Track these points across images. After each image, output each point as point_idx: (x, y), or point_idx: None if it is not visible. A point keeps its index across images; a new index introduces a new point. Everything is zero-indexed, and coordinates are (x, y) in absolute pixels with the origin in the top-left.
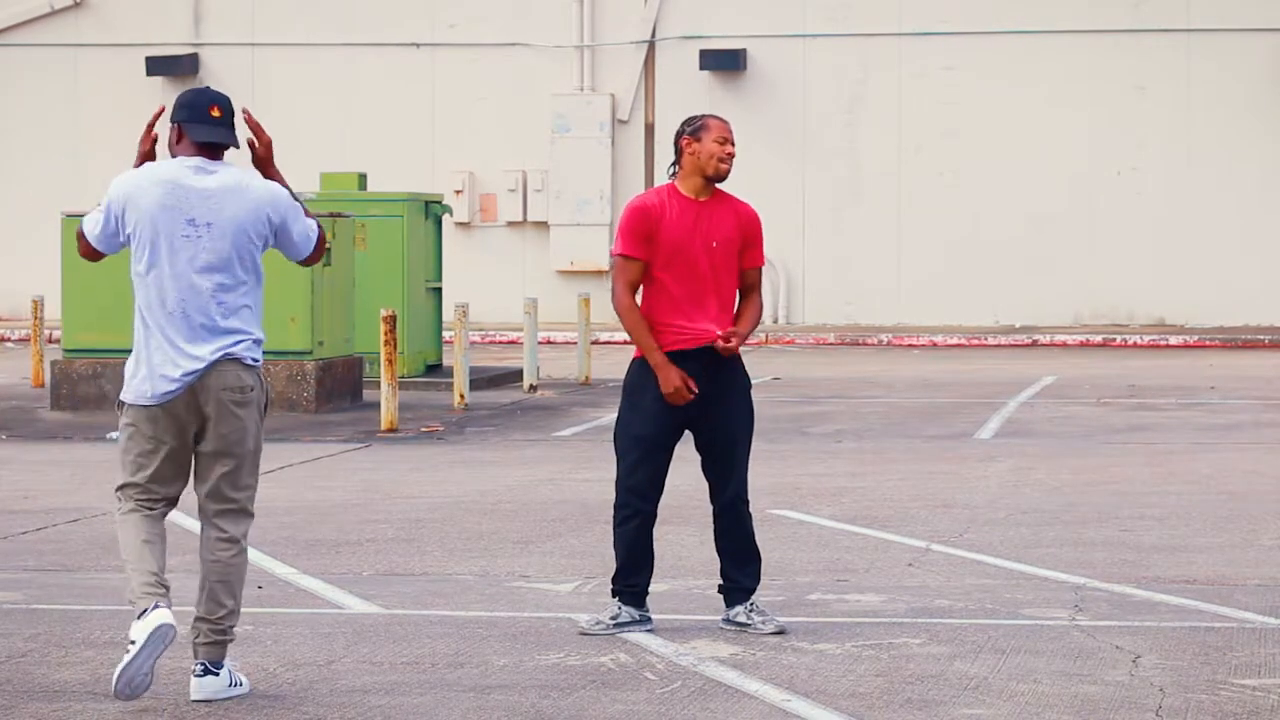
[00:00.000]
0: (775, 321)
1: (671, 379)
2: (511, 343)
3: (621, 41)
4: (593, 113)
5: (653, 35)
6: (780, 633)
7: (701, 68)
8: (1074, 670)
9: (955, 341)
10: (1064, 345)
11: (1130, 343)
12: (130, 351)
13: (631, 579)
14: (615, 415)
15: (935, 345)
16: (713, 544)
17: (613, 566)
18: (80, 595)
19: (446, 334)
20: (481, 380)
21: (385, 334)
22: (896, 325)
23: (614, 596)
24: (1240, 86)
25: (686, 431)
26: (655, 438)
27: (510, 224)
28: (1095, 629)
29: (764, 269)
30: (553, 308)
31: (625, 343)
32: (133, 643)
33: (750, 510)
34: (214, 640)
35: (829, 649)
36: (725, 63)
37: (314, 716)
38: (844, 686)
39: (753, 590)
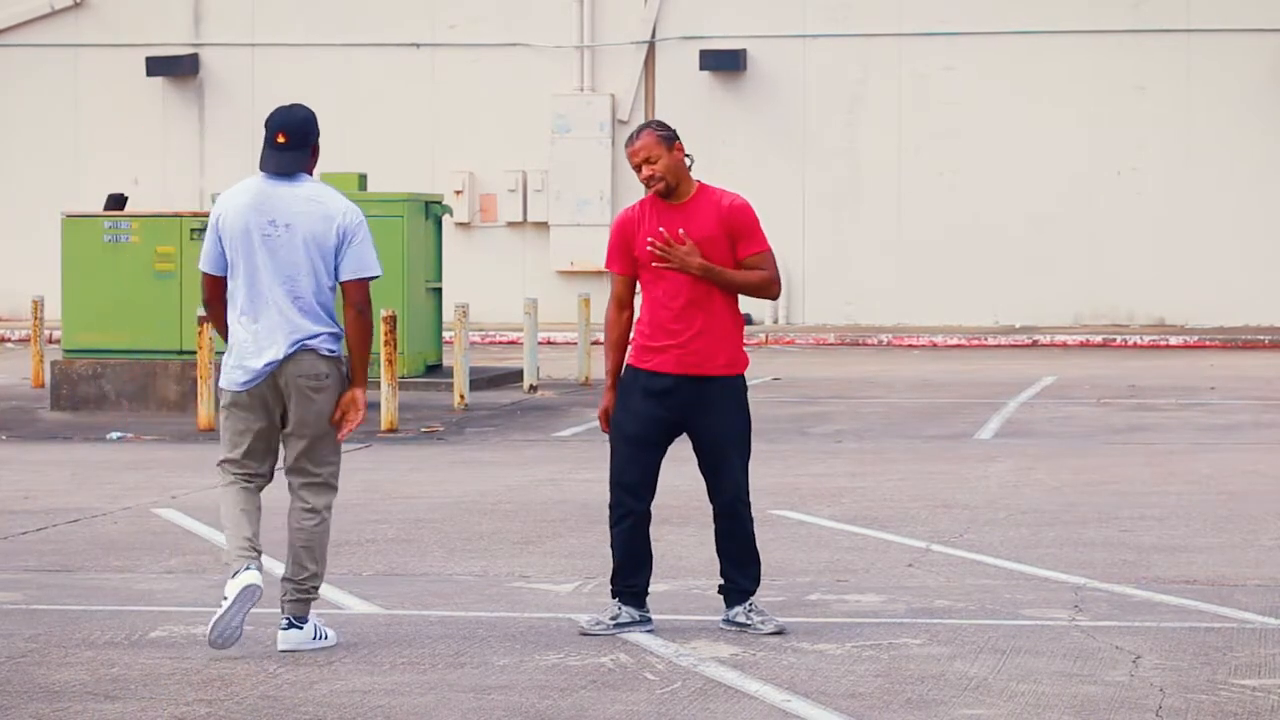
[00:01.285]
0: (775, 321)
1: (602, 405)
2: (511, 343)
3: (621, 41)
4: (593, 113)
5: (653, 35)
6: (780, 633)
7: (701, 68)
8: (1074, 670)
9: (955, 342)
10: (1064, 345)
11: (1130, 343)
12: (131, 351)
13: (630, 579)
14: None
15: (935, 345)
16: (713, 544)
17: (612, 567)
18: (80, 595)
19: (446, 334)
20: (481, 380)
21: (385, 334)
22: (896, 325)
23: (614, 597)
24: (1240, 86)
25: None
26: (644, 437)
27: (510, 224)
28: (1095, 629)
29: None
30: (553, 308)
31: (632, 341)
32: (225, 598)
33: (751, 512)
34: (298, 598)
35: (829, 649)
36: (725, 63)
37: (314, 716)
38: (844, 687)
39: (753, 591)
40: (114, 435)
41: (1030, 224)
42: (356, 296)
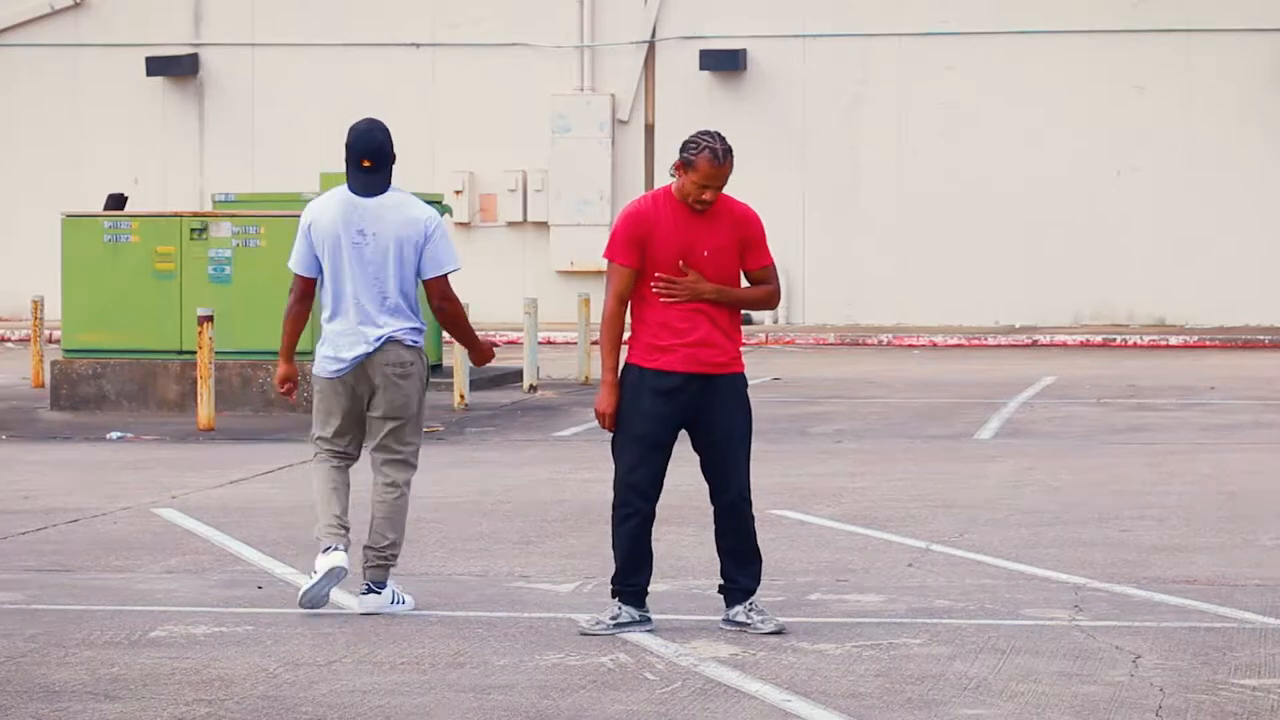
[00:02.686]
0: (775, 322)
1: (606, 402)
2: (511, 343)
3: (621, 42)
4: (593, 113)
5: (653, 35)
6: (780, 633)
7: (701, 68)
8: (1074, 670)
9: (955, 342)
10: (1064, 345)
11: (1130, 343)
12: (131, 351)
13: (631, 579)
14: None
15: (935, 345)
16: (713, 544)
17: (612, 567)
18: (80, 596)
19: (446, 334)
20: (481, 380)
21: None
22: (897, 325)
23: (614, 596)
24: (1240, 86)
25: (684, 431)
26: (653, 437)
27: (510, 224)
28: (1095, 629)
29: (773, 266)
30: (553, 308)
31: (627, 342)
32: (315, 572)
33: (752, 511)
34: (377, 564)
35: (829, 649)
36: (725, 63)
37: (314, 716)
38: (844, 686)
39: (753, 590)
40: (114, 435)
41: (1030, 224)
42: (437, 291)
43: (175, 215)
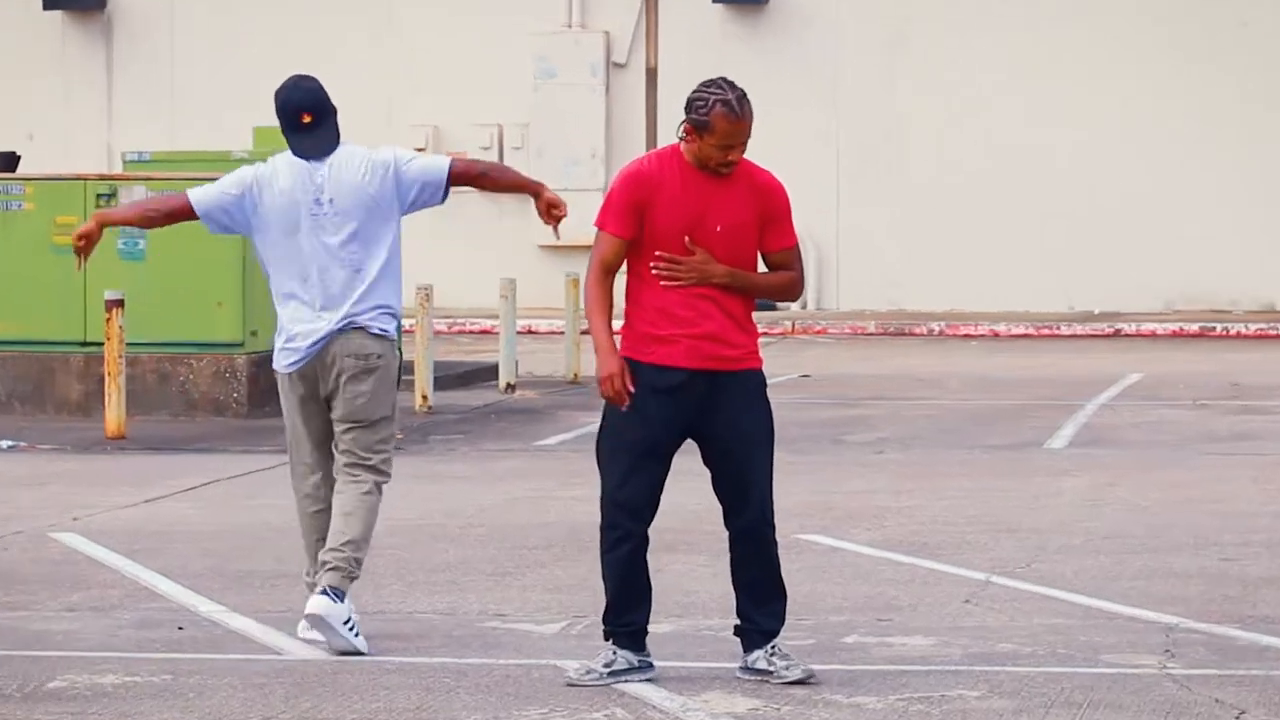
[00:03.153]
0: (804, 307)
1: (609, 364)
2: (485, 332)
3: None
4: (583, 54)
5: None
6: (808, 682)
7: (714, 0)
8: None
9: (1021, 331)
10: (1153, 335)
11: (1233, 332)
12: (23, 343)
13: (627, 616)
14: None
15: (997, 335)
16: (728, 575)
17: (604, 602)
18: None
19: (407, 322)
20: (449, 378)
21: None
22: (950, 311)
23: (607, 639)
24: None
25: (689, 440)
26: (649, 444)
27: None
28: (1190, 679)
29: (797, 249)
30: (534, 291)
31: (619, 331)
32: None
33: (775, 536)
34: (334, 566)
35: (868, 703)
36: None
37: None
38: None
39: (775, 632)
40: (3, 444)
41: (1112, 191)
42: (467, 172)
43: (78, 178)
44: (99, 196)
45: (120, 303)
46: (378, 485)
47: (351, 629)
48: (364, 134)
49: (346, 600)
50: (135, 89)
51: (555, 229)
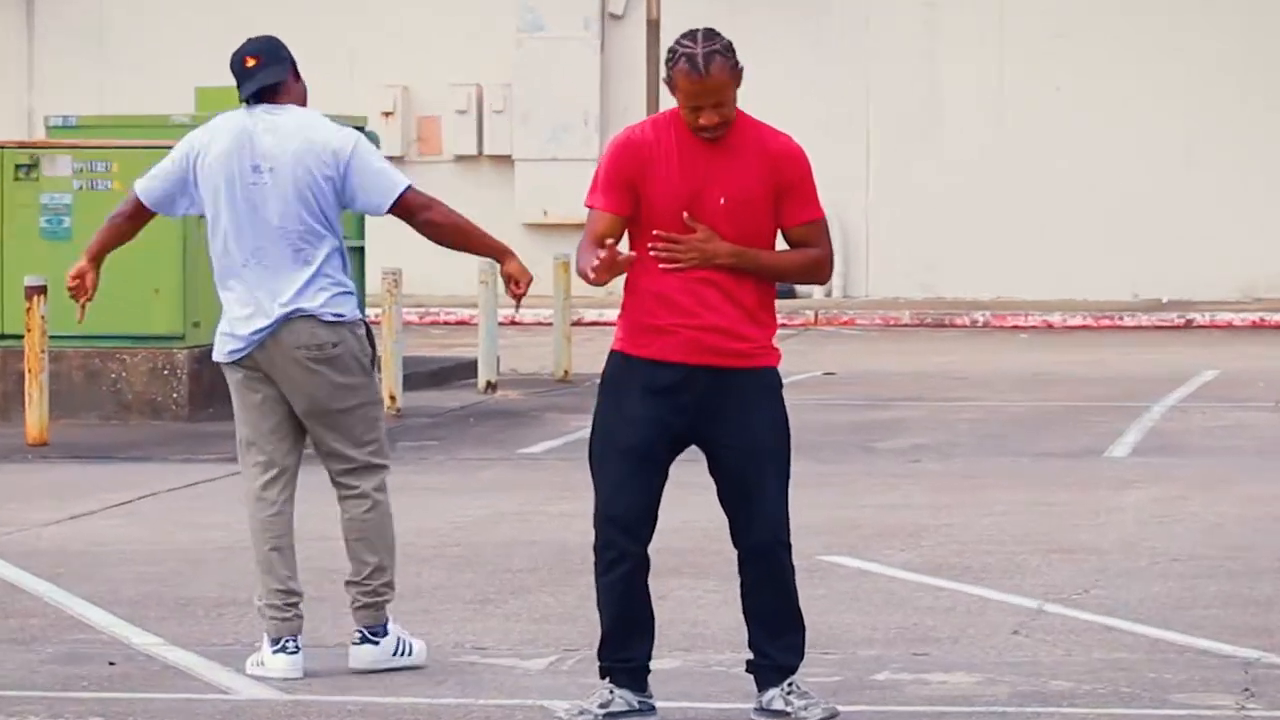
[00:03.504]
0: (829, 295)
1: (600, 258)
2: (461, 323)
3: None
4: (574, 3)
5: None
6: None
7: None
8: None
9: (1077, 322)
10: (1228, 326)
11: None
12: None
13: (624, 651)
14: None
15: (1050, 327)
16: (739, 602)
17: (599, 634)
18: None
19: (373, 312)
20: (420, 375)
21: None
22: (995, 300)
23: (603, 676)
24: None
25: (694, 448)
26: (644, 450)
27: (460, 158)
28: None
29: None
30: None
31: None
32: (261, 664)
33: (792, 557)
34: (365, 603)
35: None
36: None
37: None
38: None
39: (793, 668)
40: None
41: (1182, 163)
42: (414, 204)
43: None
44: (18, 167)
45: (43, 289)
46: (381, 489)
47: (403, 654)
48: (324, 94)
49: (389, 628)
50: (59, 43)
51: (517, 305)
